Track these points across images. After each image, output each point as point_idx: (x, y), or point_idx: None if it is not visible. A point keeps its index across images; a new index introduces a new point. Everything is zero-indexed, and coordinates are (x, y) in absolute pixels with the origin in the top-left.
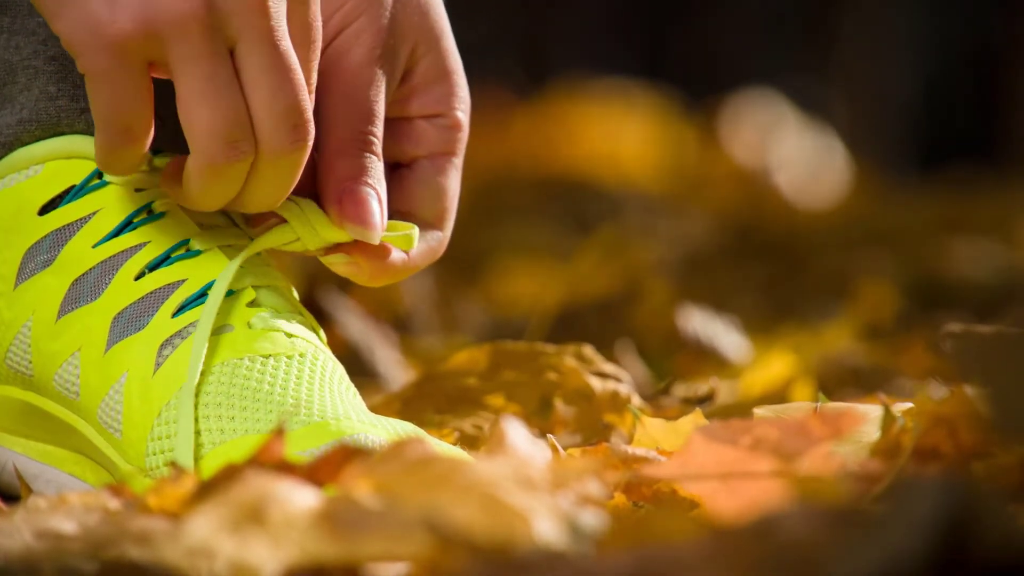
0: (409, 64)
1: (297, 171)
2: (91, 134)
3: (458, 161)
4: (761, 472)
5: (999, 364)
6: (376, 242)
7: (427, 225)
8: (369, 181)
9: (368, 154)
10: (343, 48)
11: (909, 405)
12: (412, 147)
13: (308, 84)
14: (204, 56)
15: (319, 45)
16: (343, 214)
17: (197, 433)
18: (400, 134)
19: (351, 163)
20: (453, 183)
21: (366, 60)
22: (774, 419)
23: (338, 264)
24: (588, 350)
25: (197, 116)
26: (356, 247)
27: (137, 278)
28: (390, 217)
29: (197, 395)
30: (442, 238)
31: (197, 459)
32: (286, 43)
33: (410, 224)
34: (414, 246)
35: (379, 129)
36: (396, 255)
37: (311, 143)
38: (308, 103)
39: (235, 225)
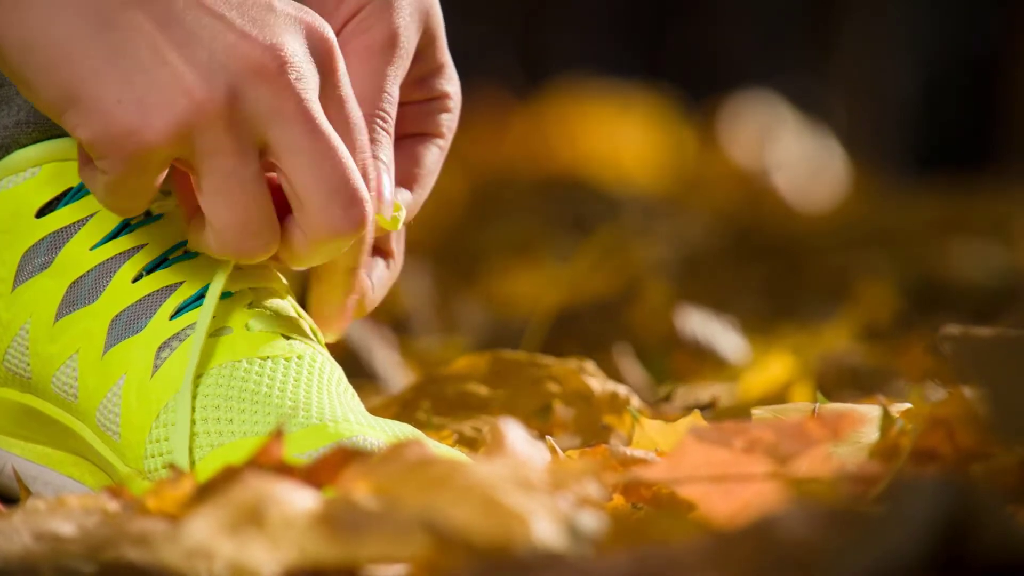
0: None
1: (361, 244)
2: None
3: (443, 143)
4: (755, 474)
5: (998, 366)
6: (388, 213)
7: (399, 185)
8: (381, 156)
9: (381, 131)
10: (365, 27)
11: (907, 406)
12: (401, 128)
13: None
14: (224, 152)
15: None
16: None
17: (195, 435)
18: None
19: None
20: (432, 156)
21: (384, 42)
22: (769, 420)
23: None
24: (589, 365)
25: (216, 210)
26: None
27: (135, 280)
28: None
29: (195, 397)
30: (411, 200)
31: (194, 461)
32: (320, 121)
33: (397, 204)
34: (398, 228)
35: (393, 110)
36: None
37: (370, 218)
38: (356, 178)
39: None
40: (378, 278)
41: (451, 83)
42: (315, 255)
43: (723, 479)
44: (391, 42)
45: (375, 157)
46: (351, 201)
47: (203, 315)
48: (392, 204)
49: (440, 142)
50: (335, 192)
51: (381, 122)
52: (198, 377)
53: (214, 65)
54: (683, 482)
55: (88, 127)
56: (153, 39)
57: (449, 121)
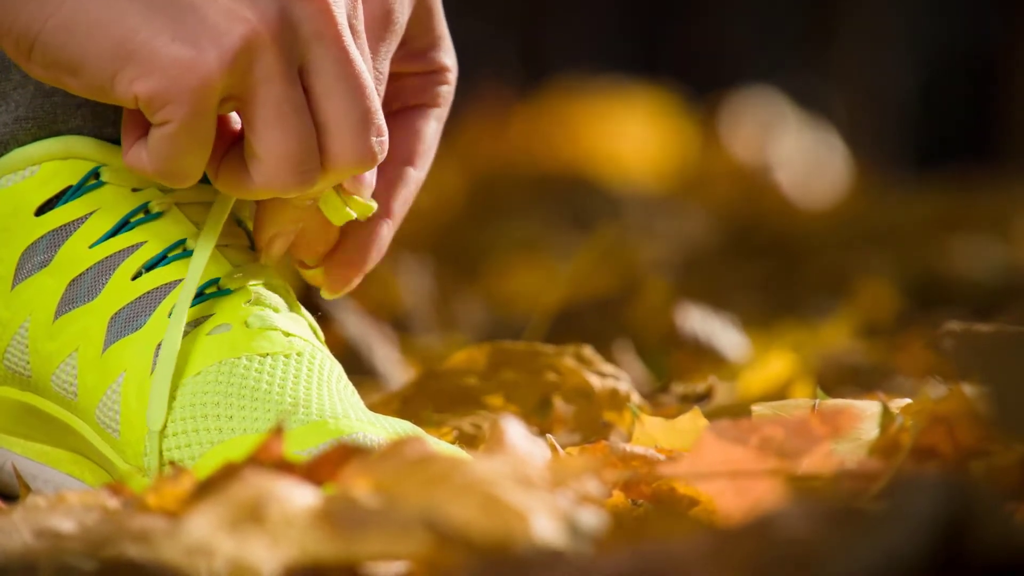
0: (407, 27)
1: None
2: (87, 132)
3: (441, 113)
4: (769, 471)
5: (998, 362)
6: (367, 195)
7: (400, 162)
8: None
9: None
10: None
11: (907, 403)
12: (399, 100)
13: (380, 82)
14: (278, 77)
15: (397, 35)
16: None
17: (195, 432)
18: (388, 90)
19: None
20: (431, 129)
21: (376, 18)
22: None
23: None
24: (588, 351)
25: (269, 141)
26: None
27: (134, 278)
28: None
29: (194, 394)
30: (417, 177)
31: (192, 458)
32: (353, 48)
33: (372, 204)
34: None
35: (382, 87)
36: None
37: (387, 148)
38: (379, 108)
39: (236, 224)
40: (401, 196)
41: (448, 55)
42: (328, 183)
43: (739, 476)
44: (383, 19)
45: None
46: (379, 130)
47: (195, 263)
48: (371, 185)
49: (439, 112)
50: (366, 120)
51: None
52: (198, 374)
53: None
54: (703, 479)
55: (147, 75)
56: None
57: (447, 93)
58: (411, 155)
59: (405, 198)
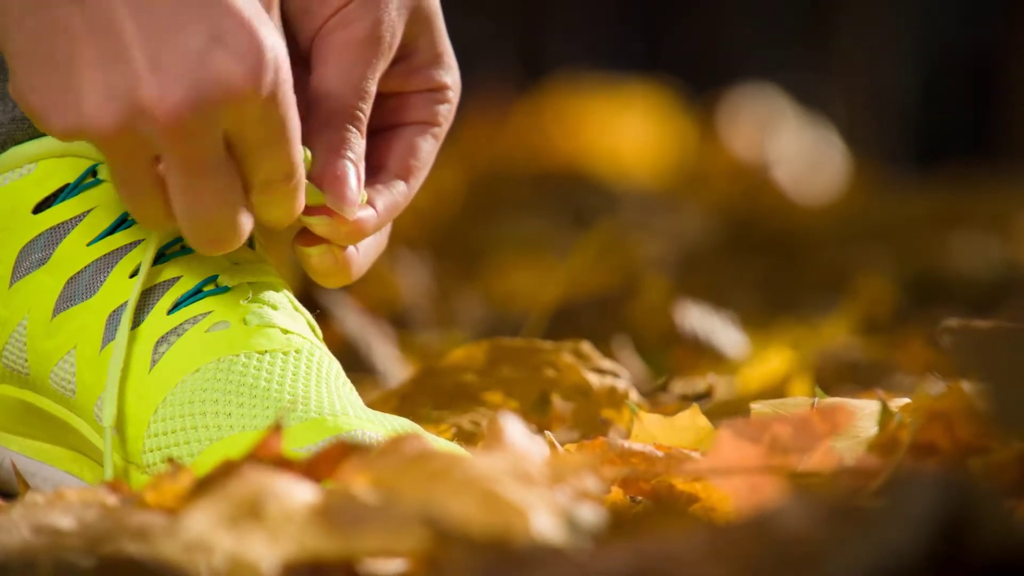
0: (404, 43)
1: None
2: None
3: (439, 132)
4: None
5: (997, 359)
6: (350, 216)
7: (392, 175)
8: (349, 155)
9: (353, 128)
10: (347, 21)
11: (906, 400)
12: (398, 117)
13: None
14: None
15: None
16: (322, 182)
17: (194, 429)
18: (388, 107)
19: (335, 135)
20: (428, 146)
21: (364, 37)
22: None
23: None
24: (586, 346)
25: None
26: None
27: (132, 276)
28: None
29: (193, 391)
30: (407, 192)
31: (191, 455)
32: (203, 169)
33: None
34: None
35: (367, 106)
36: (363, 212)
37: (234, 245)
38: (227, 220)
39: None
40: (386, 203)
41: (449, 73)
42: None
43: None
44: (372, 37)
45: (345, 156)
46: (213, 240)
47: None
48: (356, 202)
49: (436, 131)
50: (202, 230)
51: (356, 121)
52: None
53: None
54: (723, 475)
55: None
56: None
57: (447, 112)
58: (405, 171)
59: (392, 203)
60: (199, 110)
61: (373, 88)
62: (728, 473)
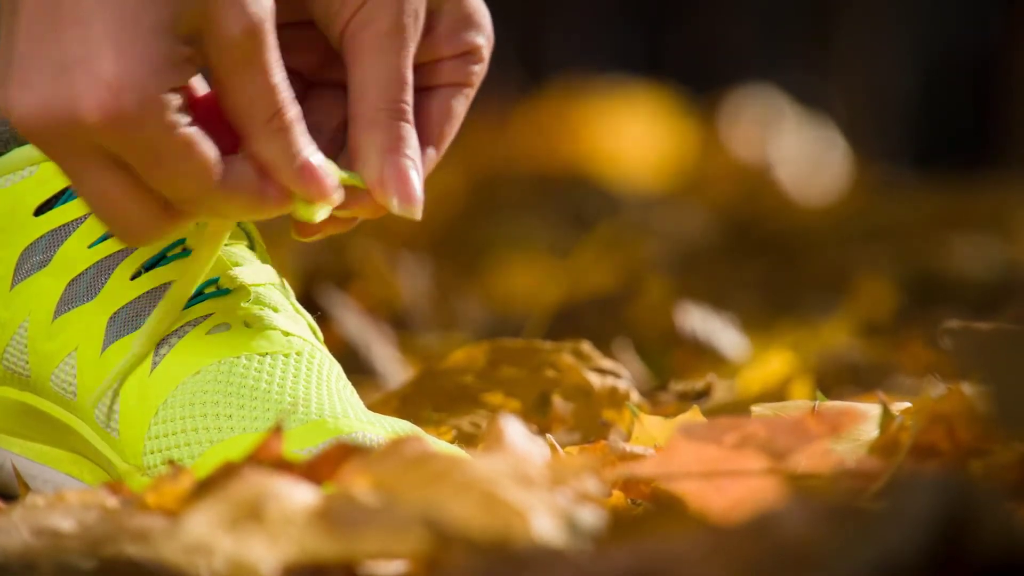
0: (429, 12)
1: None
2: None
3: (471, 92)
4: (747, 470)
5: (998, 360)
6: (419, 217)
7: (425, 143)
8: (408, 153)
9: (403, 123)
10: (369, 17)
11: (907, 403)
12: (431, 80)
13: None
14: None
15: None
16: (386, 188)
17: (195, 431)
18: (420, 73)
19: (387, 134)
20: (461, 107)
21: (393, 27)
22: (764, 417)
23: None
24: (586, 346)
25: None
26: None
27: (133, 278)
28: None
29: (193, 393)
30: (436, 157)
31: (192, 457)
32: (79, 177)
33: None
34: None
35: (410, 95)
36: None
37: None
38: (142, 217)
39: (237, 224)
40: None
41: (481, 32)
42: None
43: (712, 475)
44: (398, 26)
45: (405, 155)
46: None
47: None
48: (421, 202)
49: (469, 91)
50: (116, 225)
51: (404, 116)
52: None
53: None
54: (673, 478)
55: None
56: None
57: (480, 70)
58: (439, 137)
59: (425, 173)
60: (48, 128)
61: (411, 75)
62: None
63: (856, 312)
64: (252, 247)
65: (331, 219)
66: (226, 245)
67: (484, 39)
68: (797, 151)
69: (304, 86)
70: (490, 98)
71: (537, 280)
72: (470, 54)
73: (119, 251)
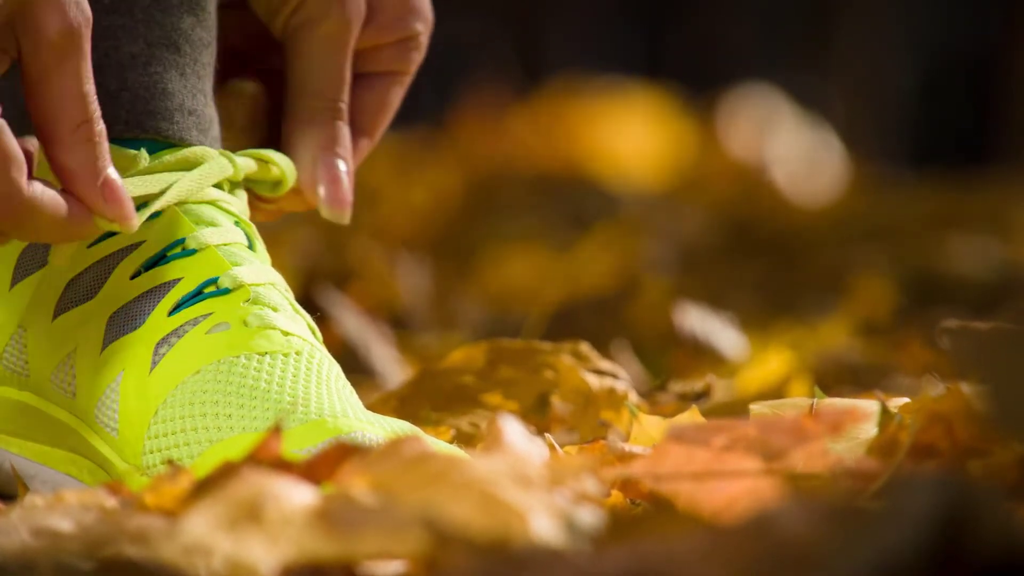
0: (371, 6)
1: None
2: None
3: (408, 79)
4: (737, 471)
5: (997, 359)
6: (346, 221)
7: (360, 132)
8: (340, 151)
9: (339, 122)
10: (313, 14)
11: (906, 402)
12: (367, 67)
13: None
14: None
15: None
16: (317, 188)
17: (194, 430)
18: (360, 58)
19: (323, 133)
20: (396, 98)
21: (337, 25)
22: (760, 417)
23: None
24: (585, 347)
25: None
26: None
27: (133, 277)
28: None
29: (193, 392)
30: (371, 145)
31: (191, 457)
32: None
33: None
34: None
35: (347, 95)
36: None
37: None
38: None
39: (235, 225)
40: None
41: (419, 18)
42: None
43: (702, 477)
44: (342, 25)
45: (336, 155)
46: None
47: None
48: (350, 202)
49: (406, 79)
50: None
51: (341, 115)
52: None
53: None
54: (663, 479)
55: None
56: None
57: (417, 57)
58: (373, 126)
59: (358, 162)
60: None
61: (349, 74)
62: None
63: (855, 312)
64: (251, 247)
65: (257, 208)
66: (225, 245)
67: (423, 25)
68: (795, 151)
69: (241, 68)
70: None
71: (536, 280)
72: (409, 40)
73: (119, 251)
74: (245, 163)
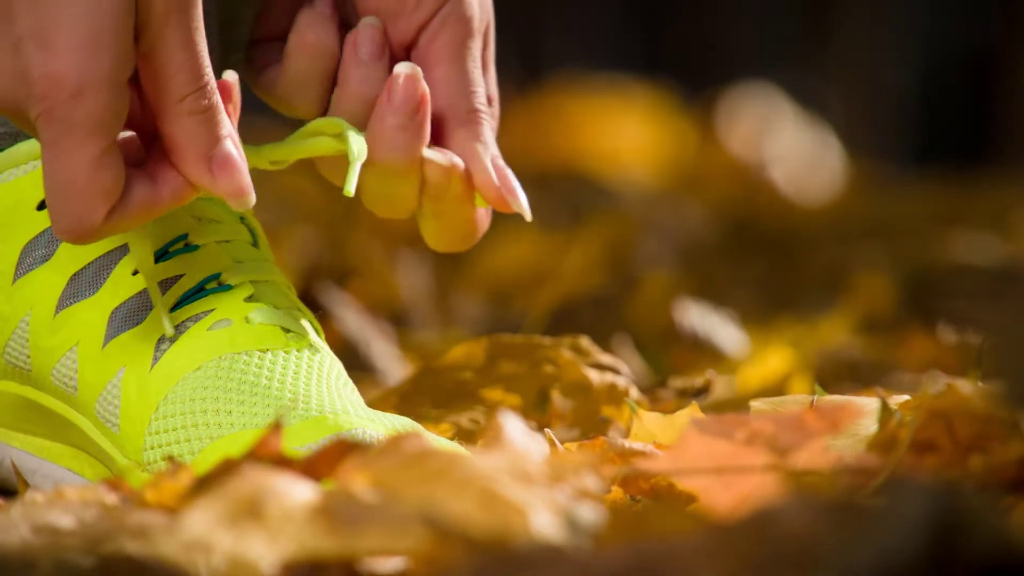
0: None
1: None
2: None
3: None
4: (756, 466)
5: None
6: (527, 212)
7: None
8: (495, 156)
9: (487, 125)
10: (442, 25)
11: (906, 399)
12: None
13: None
14: None
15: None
16: (488, 184)
17: (195, 427)
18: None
19: (473, 137)
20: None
21: (465, 34)
22: (770, 413)
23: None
24: (585, 342)
25: None
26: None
27: (135, 273)
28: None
29: (194, 389)
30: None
31: (192, 453)
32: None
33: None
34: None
35: (485, 100)
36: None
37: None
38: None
39: (239, 220)
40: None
41: (494, 85)
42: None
43: (724, 471)
44: (475, 33)
45: (497, 161)
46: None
47: None
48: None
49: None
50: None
51: (486, 117)
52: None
53: None
54: (685, 474)
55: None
56: None
57: (494, 130)
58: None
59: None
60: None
61: (480, 75)
62: (692, 472)
63: (855, 309)
64: (255, 244)
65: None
66: (228, 241)
67: (496, 93)
68: (794, 150)
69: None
70: None
71: (536, 277)
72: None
73: (121, 246)
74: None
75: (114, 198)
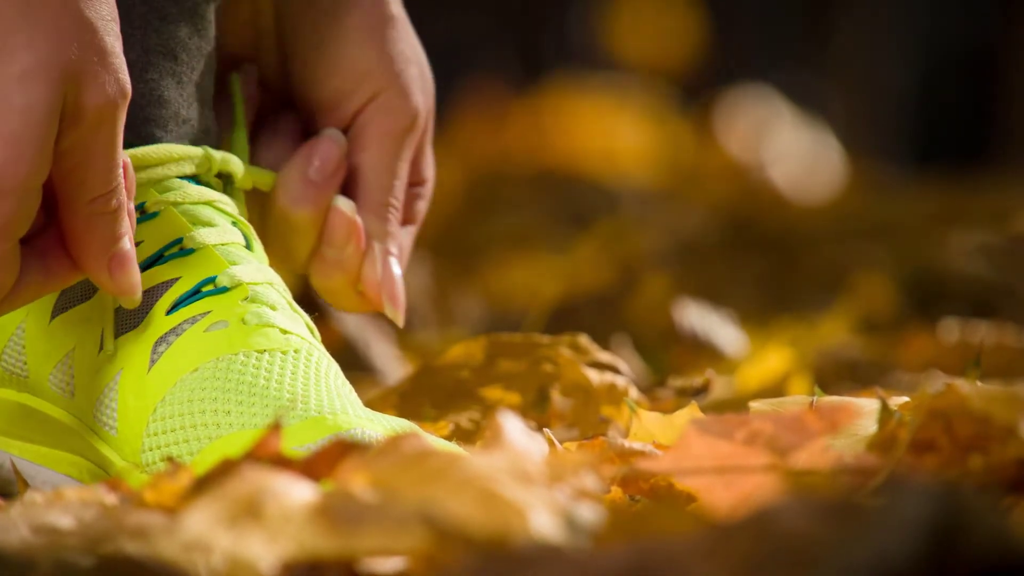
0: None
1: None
2: None
3: (415, 229)
4: (757, 466)
5: None
6: (400, 321)
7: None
8: (391, 249)
9: (393, 221)
10: (383, 110)
11: (905, 399)
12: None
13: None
14: None
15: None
16: (371, 278)
17: (193, 427)
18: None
19: (380, 228)
20: (408, 246)
21: (406, 125)
22: (770, 413)
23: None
24: (583, 340)
25: None
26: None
27: None
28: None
29: (192, 390)
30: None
31: (190, 454)
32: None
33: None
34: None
35: (403, 193)
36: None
37: None
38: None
39: (232, 225)
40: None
41: (430, 167)
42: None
43: (724, 471)
44: (409, 126)
45: (388, 252)
46: None
47: None
48: (403, 301)
49: (413, 229)
50: None
51: (394, 211)
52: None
53: None
54: (685, 474)
55: None
56: None
57: (423, 209)
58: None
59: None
60: None
61: (406, 174)
62: (694, 472)
63: (854, 309)
64: (249, 247)
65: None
66: (223, 244)
67: (432, 175)
68: (793, 150)
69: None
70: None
71: (535, 277)
72: (420, 185)
73: None
74: (222, 156)
75: (5, 292)
